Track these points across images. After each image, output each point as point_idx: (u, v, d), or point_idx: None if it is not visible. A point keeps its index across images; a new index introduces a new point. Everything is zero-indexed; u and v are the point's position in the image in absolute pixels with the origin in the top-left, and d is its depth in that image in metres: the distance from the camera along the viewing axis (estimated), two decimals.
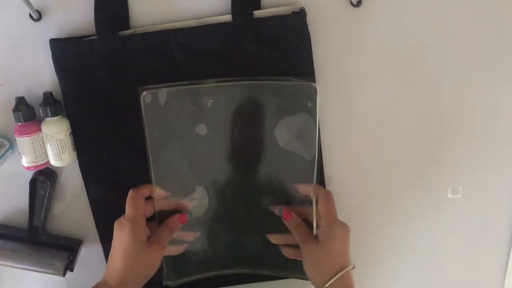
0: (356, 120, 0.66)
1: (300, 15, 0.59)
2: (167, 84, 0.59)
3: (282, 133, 0.61)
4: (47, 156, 0.62)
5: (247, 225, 0.66)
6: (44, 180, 0.64)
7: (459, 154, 0.69)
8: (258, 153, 0.62)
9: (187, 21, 0.60)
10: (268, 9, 0.59)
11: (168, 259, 0.65)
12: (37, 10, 0.58)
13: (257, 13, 0.59)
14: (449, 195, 0.71)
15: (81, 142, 0.63)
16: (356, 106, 0.65)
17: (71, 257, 0.68)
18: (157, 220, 0.63)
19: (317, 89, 0.59)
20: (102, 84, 0.60)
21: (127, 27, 0.60)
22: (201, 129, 0.61)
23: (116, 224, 0.59)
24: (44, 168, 0.63)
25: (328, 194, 0.60)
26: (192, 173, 0.63)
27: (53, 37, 0.59)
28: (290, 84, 0.60)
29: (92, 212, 0.66)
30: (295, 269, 0.64)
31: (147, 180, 0.63)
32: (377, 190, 0.70)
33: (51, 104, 0.59)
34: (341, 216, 0.61)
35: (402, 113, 0.66)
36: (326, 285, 0.55)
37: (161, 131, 0.60)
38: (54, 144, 0.60)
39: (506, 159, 0.69)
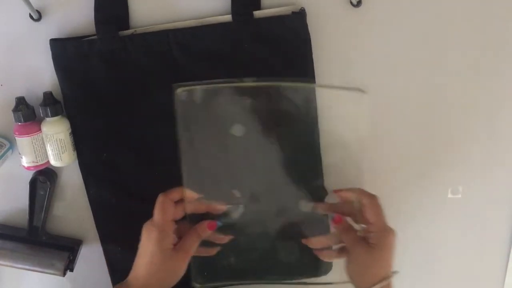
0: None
1: (300, 15, 0.59)
2: (203, 82, 0.57)
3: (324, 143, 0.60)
4: (47, 156, 0.62)
5: (283, 230, 0.63)
6: (44, 180, 0.64)
7: (459, 154, 0.69)
8: (297, 155, 0.61)
9: (187, 21, 0.60)
10: (268, 9, 0.59)
11: (198, 260, 0.62)
12: (37, 10, 0.58)
13: (257, 13, 0.59)
14: (449, 195, 0.71)
15: (81, 142, 0.63)
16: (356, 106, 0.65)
17: (71, 257, 0.68)
18: (189, 221, 0.59)
19: (367, 97, 0.57)
20: (102, 84, 0.60)
21: (127, 27, 0.60)
22: (238, 130, 0.59)
23: (144, 228, 0.56)
24: (44, 168, 0.63)
25: (375, 199, 0.58)
26: (227, 175, 0.61)
27: (53, 37, 0.59)
28: (335, 88, 0.58)
29: (92, 212, 0.66)
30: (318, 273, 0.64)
31: (147, 180, 0.63)
32: (377, 190, 0.70)
33: (51, 104, 0.59)
34: None
35: (402, 113, 0.66)
36: None
37: (194, 130, 0.58)
38: (54, 144, 0.60)
39: (506, 159, 0.69)
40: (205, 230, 0.58)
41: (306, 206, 0.62)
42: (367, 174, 0.68)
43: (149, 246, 0.55)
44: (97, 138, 0.62)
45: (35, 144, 0.60)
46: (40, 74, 0.61)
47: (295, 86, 0.59)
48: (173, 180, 0.63)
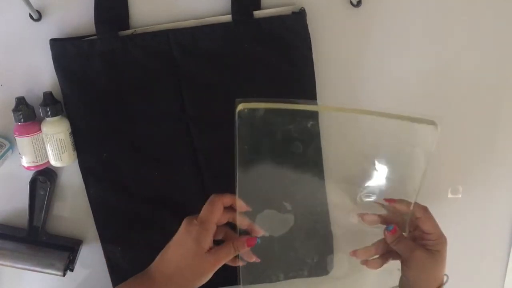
0: (355, 119, 0.66)
1: (300, 15, 0.59)
2: (264, 100, 0.57)
3: (383, 165, 0.62)
4: (47, 156, 0.62)
5: (309, 233, 0.65)
6: (44, 180, 0.64)
7: (459, 154, 0.69)
8: (352, 181, 0.63)
9: (187, 21, 0.60)
10: (268, 9, 0.59)
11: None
12: (37, 10, 0.58)
13: (257, 13, 0.59)
14: (449, 195, 0.71)
15: (81, 142, 0.63)
16: (356, 106, 0.65)
17: (71, 257, 0.68)
18: (238, 232, 0.60)
19: (438, 130, 0.57)
20: (102, 84, 0.60)
21: (127, 27, 0.60)
22: (297, 148, 0.60)
23: (186, 221, 0.56)
24: (44, 168, 0.63)
25: (428, 211, 0.61)
26: (279, 189, 0.62)
27: (53, 37, 0.59)
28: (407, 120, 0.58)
29: (92, 212, 0.66)
30: None
31: (147, 180, 0.63)
32: None
33: (51, 104, 0.59)
34: None
35: (402, 113, 0.66)
36: None
37: (253, 145, 0.59)
38: (54, 144, 0.60)
39: (506, 159, 0.69)
40: (244, 246, 0.58)
41: (353, 217, 0.64)
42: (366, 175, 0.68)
43: (187, 239, 0.55)
44: (97, 138, 0.62)
45: (35, 144, 0.60)
46: (40, 74, 0.61)
47: (355, 112, 0.60)
48: (173, 179, 0.63)
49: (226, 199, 0.58)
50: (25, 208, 0.66)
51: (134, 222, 0.65)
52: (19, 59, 0.61)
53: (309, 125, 0.59)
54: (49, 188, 0.64)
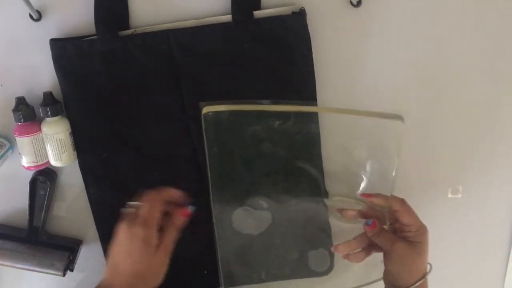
0: (355, 119, 0.66)
1: (300, 15, 0.59)
2: (229, 102, 0.59)
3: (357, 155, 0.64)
4: (47, 156, 0.62)
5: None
6: (44, 180, 0.64)
7: (459, 154, 0.69)
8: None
9: (187, 21, 0.60)
10: (268, 9, 0.59)
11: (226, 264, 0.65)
12: (37, 10, 0.58)
13: (257, 13, 0.59)
14: (449, 195, 0.71)
15: (81, 142, 0.63)
16: (356, 106, 0.65)
17: (71, 257, 0.68)
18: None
19: (404, 124, 0.61)
20: (102, 84, 0.60)
21: (127, 27, 0.60)
22: (266, 147, 0.61)
23: (124, 227, 0.55)
24: (44, 168, 0.63)
25: (405, 203, 0.61)
26: (254, 187, 0.63)
27: (53, 37, 0.59)
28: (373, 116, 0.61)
29: (92, 212, 0.66)
30: None
31: (147, 180, 0.63)
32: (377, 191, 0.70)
33: (51, 104, 0.59)
34: None
35: (401, 113, 0.66)
36: (417, 284, 0.58)
37: (221, 146, 0.60)
38: (54, 144, 0.60)
39: (506, 160, 0.69)
40: (181, 219, 0.58)
41: (333, 214, 0.66)
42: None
43: (134, 244, 0.54)
44: (97, 138, 0.62)
45: (35, 144, 0.60)
46: (40, 74, 0.61)
47: (318, 110, 0.61)
48: (173, 179, 0.63)
49: (164, 194, 0.58)
50: (25, 208, 0.66)
51: None
52: (19, 59, 0.61)
53: (275, 125, 0.60)
54: (49, 188, 0.64)
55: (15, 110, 0.59)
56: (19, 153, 0.61)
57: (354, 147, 0.64)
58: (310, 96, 0.62)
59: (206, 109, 0.58)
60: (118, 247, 0.55)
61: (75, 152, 0.63)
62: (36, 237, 0.67)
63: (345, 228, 0.67)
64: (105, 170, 0.64)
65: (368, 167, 0.64)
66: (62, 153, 0.61)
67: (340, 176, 0.65)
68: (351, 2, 0.60)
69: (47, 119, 0.60)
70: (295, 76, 0.61)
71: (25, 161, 0.61)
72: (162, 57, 0.59)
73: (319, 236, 0.67)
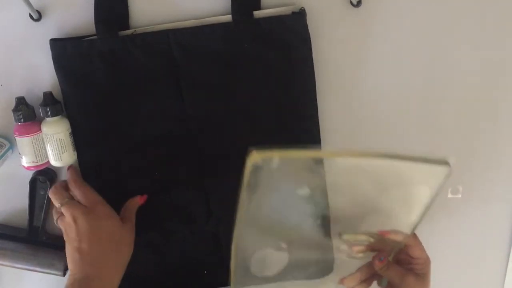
0: (356, 120, 0.66)
1: (300, 15, 0.59)
2: (279, 149, 0.52)
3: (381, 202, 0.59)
4: (47, 156, 0.62)
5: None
6: (44, 180, 0.64)
7: (459, 154, 0.69)
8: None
9: (187, 21, 0.60)
10: (268, 10, 0.59)
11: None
12: (37, 10, 0.58)
13: (257, 13, 0.59)
14: (449, 195, 0.71)
15: (81, 142, 0.63)
16: (356, 107, 0.65)
17: None
18: None
19: (450, 170, 0.54)
20: (102, 84, 0.60)
21: (127, 27, 0.60)
22: (304, 191, 0.58)
23: (80, 212, 0.58)
24: (44, 168, 0.63)
25: (417, 237, 0.62)
26: (278, 228, 0.60)
27: (53, 37, 0.59)
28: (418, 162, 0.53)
29: None
30: None
31: (147, 180, 0.63)
32: None
33: (51, 104, 0.59)
34: None
35: (402, 113, 0.66)
36: None
37: (261, 191, 0.55)
38: (54, 144, 0.60)
39: (506, 159, 0.69)
40: (136, 203, 0.64)
41: (341, 251, 0.65)
42: None
43: (101, 223, 0.59)
44: (97, 138, 0.62)
45: (35, 144, 0.60)
46: (40, 74, 0.61)
47: (366, 157, 0.53)
48: (173, 180, 0.63)
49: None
50: (25, 208, 0.66)
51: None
52: (19, 59, 0.61)
53: (318, 170, 0.56)
54: (49, 188, 0.64)
55: (15, 110, 0.59)
56: (19, 153, 0.61)
57: (380, 191, 0.57)
58: (309, 97, 0.62)
59: (255, 155, 0.51)
60: (86, 235, 0.58)
61: (75, 152, 0.63)
62: (36, 237, 0.67)
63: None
64: (105, 170, 0.64)
65: (387, 207, 0.59)
66: (62, 153, 0.61)
67: (347, 212, 0.62)
68: (351, 2, 0.60)
69: (47, 119, 0.60)
70: (295, 76, 0.61)
71: (25, 161, 0.61)
72: (162, 57, 0.59)
73: (323, 270, 0.67)
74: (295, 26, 0.59)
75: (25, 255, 0.66)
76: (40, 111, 0.60)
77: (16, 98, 0.59)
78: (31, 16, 0.59)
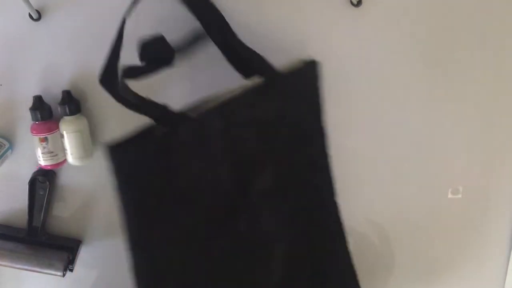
0: (356, 120, 0.66)
1: (313, 65, 0.57)
2: None
3: None
4: (64, 155, 0.62)
5: None
6: (43, 180, 0.64)
7: (459, 154, 0.69)
8: None
9: (224, 94, 0.55)
10: (285, 65, 0.57)
11: None
12: (37, 10, 0.58)
13: (278, 71, 0.57)
14: (449, 195, 0.71)
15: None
16: (356, 107, 0.65)
17: (71, 257, 0.68)
18: None
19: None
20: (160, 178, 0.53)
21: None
22: None
23: None
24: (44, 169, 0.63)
25: None
26: None
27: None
28: None
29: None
30: None
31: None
32: (378, 191, 0.70)
33: (70, 102, 0.60)
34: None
35: (403, 113, 0.66)
36: None
37: None
38: (73, 142, 0.60)
39: (506, 159, 0.69)
40: None
41: None
42: (367, 175, 0.69)
43: None
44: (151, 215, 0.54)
45: (55, 142, 0.61)
46: (40, 74, 0.61)
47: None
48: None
49: None
50: (24, 208, 0.66)
51: None
52: (19, 59, 0.61)
53: None
54: (49, 188, 0.64)
55: (33, 108, 0.59)
56: (51, 152, 0.61)
57: None
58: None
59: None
60: None
61: (92, 150, 0.63)
62: (36, 237, 0.67)
63: None
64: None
65: None
66: (80, 152, 0.61)
67: None
68: (351, 2, 0.60)
69: (66, 117, 0.60)
70: (308, 119, 0.59)
71: (60, 157, 0.61)
72: (213, 137, 0.54)
73: None
74: (308, 75, 0.58)
75: (24, 255, 0.66)
76: (58, 110, 0.60)
77: (33, 96, 0.60)
78: (31, 16, 0.59)
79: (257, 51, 0.58)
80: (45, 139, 0.60)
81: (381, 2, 0.61)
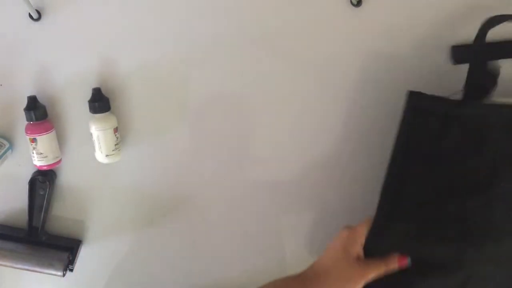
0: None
1: None
2: None
3: None
4: (59, 155, 0.63)
5: None
6: (43, 180, 0.64)
7: None
8: None
9: None
10: None
11: None
12: (37, 10, 0.58)
13: None
14: None
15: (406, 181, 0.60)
16: (356, 107, 0.65)
17: (71, 257, 0.68)
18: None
19: None
20: (442, 142, 0.59)
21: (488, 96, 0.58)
22: None
23: (341, 228, 0.60)
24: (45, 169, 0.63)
25: None
26: None
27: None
28: None
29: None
30: None
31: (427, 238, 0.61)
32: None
33: (100, 100, 0.60)
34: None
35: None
36: None
37: None
38: (102, 140, 0.61)
39: None
40: (394, 263, 0.58)
41: None
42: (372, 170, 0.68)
43: (336, 244, 0.59)
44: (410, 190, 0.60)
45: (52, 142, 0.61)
46: (39, 74, 0.61)
47: None
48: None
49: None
50: (24, 208, 0.66)
51: None
52: (19, 59, 0.61)
53: None
54: (49, 188, 0.64)
55: (27, 108, 0.59)
56: (41, 153, 0.61)
57: None
58: None
59: None
60: (330, 243, 0.60)
61: (120, 150, 0.63)
62: (36, 237, 0.67)
63: None
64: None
65: None
66: (109, 149, 0.61)
67: None
68: (351, 2, 0.60)
69: (96, 115, 0.60)
70: None
71: (51, 159, 0.62)
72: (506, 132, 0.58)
73: None
74: None
75: (24, 255, 0.66)
76: (88, 107, 0.60)
77: (28, 97, 0.60)
78: (31, 16, 0.59)
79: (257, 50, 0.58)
80: (34, 140, 0.60)
81: (381, 2, 0.61)
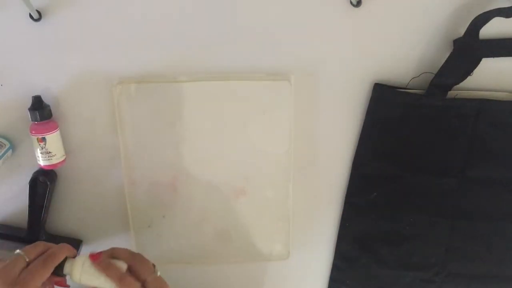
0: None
1: None
2: None
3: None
4: (63, 155, 0.63)
5: None
6: (44, 180, 0.64)
7: None
8: None
9: (500, 93, 0.63)
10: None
11: None
12: (37, 10, 0.58)
13: None
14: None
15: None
16: (355, 108, 0.65)
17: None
18: None
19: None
20: (401, 132, 0.64)
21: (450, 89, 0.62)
22: None
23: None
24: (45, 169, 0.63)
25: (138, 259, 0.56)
26: None
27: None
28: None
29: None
30: None
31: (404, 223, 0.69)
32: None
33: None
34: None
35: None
36: None
37: None
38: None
39: None
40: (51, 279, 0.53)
41: None
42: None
43: None
44: (372, 179, 0.67)
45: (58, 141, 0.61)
46: (40, 74, 0.61)
47: None
48: (422, 232, 0.69)
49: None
50: (25, 208, 0.66)
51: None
52: (19, 59, 0.61)
53: None
54: (49, 188, 0.64)
55: (32, 108, 0.59)
56: (50, 152, 0.61)
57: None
58: None
59: None
60: None
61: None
62: (36, 237, 0.67)
63: None
64: (369, 208, 0.68)
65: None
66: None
67: None
68: (351, 2, 0.60)
69: None
70: None
71: (58, 157, 0.62)
72: (465, 121, 0.63)
73: None
74: None
75: None
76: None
77: (32, 96, 0.60)
78: (31, 16, 0.59)
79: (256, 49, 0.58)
80: (42, 140, 0.60)
81: (381, 2, 0.61)
